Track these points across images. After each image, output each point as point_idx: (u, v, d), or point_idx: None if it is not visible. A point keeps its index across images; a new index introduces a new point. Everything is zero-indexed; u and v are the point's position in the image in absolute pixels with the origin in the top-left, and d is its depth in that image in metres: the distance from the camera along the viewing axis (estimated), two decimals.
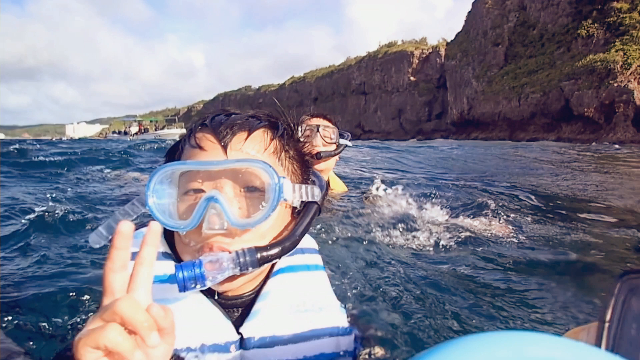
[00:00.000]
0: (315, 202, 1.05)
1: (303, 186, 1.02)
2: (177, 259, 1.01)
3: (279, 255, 0.96)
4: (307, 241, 1.15)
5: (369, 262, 2.46)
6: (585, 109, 61.73)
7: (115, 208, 3.72)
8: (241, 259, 0.90)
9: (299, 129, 3.33)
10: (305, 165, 1.11)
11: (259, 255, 0.92)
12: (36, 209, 3.49)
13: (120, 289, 0.71)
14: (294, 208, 1.05)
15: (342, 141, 3.37)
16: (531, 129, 71.18)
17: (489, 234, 3.16)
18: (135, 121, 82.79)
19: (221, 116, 1.03)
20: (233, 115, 1.03)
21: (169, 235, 1.06)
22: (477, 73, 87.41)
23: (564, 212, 4.33)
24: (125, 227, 0.72)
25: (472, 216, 3.60)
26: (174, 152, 1.07)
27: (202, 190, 0.95)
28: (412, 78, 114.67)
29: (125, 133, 75.48)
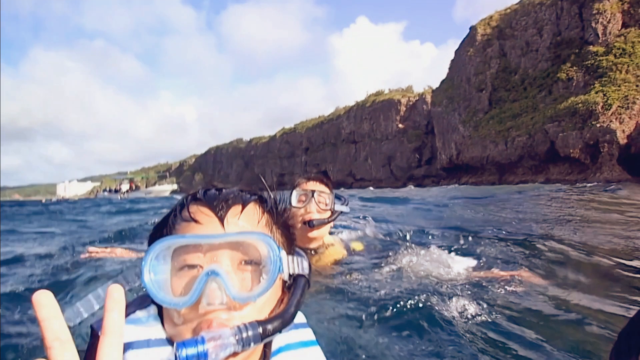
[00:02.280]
0: (304, 275, 1.05)
1: (295, 258, 1.03)
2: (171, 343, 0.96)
3: (279, 329, 0.94)
4: (297, 316, 1.12)
5: (374, 335, 2.30)
6: (571, 150, 62.78)
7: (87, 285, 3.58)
8: (244, 334, 0.88)
9: (294, 193, 3.22)
10: (290, 238, 1.12)
11: (260, 330, 0.90)
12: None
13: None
14: (284, 281, 1.05)
15: (337, 207, 3.28)
16: (520, 172, 71.98)
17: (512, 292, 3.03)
18: (125, 179, 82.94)
19: (212, 190, 1.04)
20: (224, 190, 1.04)
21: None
22: (464, 118, 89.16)
23: (576, 262, 4.29)
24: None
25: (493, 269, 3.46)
26: (161, 227, 1.05)
27: (197, 265, 0.94)
28: (400, 125, 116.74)
29: (116, 191, 75.62)
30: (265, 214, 1.05)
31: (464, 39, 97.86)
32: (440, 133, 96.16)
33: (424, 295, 2.68)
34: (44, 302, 0.66)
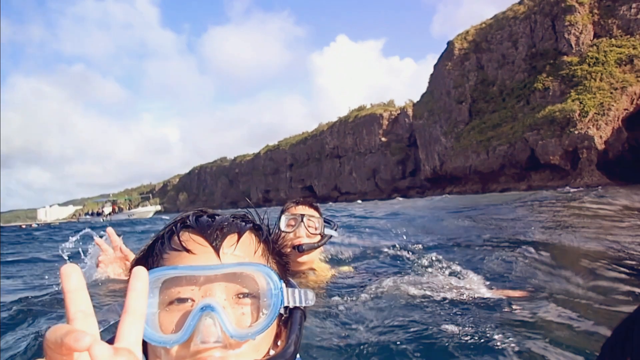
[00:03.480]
0: (299, 308, 0.97)
1: (296, 290, 0.95)
2: None
3: None
4: None
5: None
6: (551, 157, 64.21)
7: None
8: None
9: (283, 218, 3.17)
10: (285, 267, 1.05)
11: None
12: None
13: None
14: (280, 315, 0.96)
15: (327, 231, 3.24)
16: (502, 180, 73.13)
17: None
18: (108, 201, 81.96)
19: (204, 217, 0.97)
20: (217, 217, 0.97)
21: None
22: (445, 130, 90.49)
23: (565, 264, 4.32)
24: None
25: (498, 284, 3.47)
26: (146, 257, 0.96)
27: (188, 299, 0.87)
28: (383, 139, 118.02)
29: (99, 214, 74.64)
30: (261, 243, 0.98)
31: (442, 53, 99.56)
32: (423, 145, 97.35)
33: (418, 317, 2.61)
34: (71, 274, 0.63)
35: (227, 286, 0.89)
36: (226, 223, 0.95)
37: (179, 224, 0.96)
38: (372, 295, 3.05)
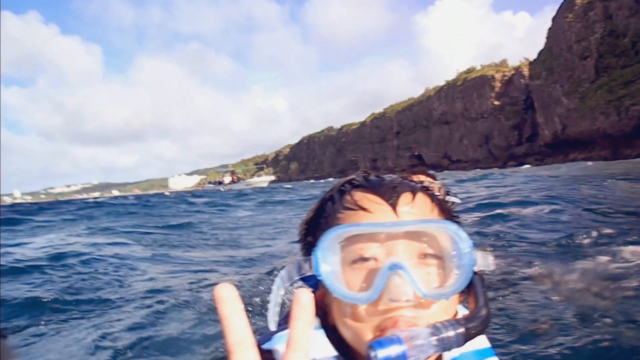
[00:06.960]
0: (476, 272, 0.90)
1: (479, 252, 0.89)
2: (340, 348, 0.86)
3: (481, 330, 0.82)
4: None
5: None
6: None
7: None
8: (444, 334, 0.76)
9: None
10: None
11: (462, 330, 0.78)
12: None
13: None
14: None
15: (448, 198, 3.47)
16: (638, 144, 66.34)
17: None
18: (227, 171, 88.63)
19: (372, 177, 0.94)
20: (386, 177, 0.94)
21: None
22: (567, 90, 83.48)
23: None
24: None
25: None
26: (318, 217, 0.95)
27: (371, 258, 0.83)
28: (496, 102, 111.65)
29: (220, 183, 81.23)
30: (435, 204, 0.93)
31: (562, 4, 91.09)
32: (541, 107, 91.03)
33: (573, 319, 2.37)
34: (226, 297, 0.57)
35: (411, 245, 0.84)
36: (398, 182, 0.92)
37: (346, 184, 0.94)
38: (511, 286, 2.76)
